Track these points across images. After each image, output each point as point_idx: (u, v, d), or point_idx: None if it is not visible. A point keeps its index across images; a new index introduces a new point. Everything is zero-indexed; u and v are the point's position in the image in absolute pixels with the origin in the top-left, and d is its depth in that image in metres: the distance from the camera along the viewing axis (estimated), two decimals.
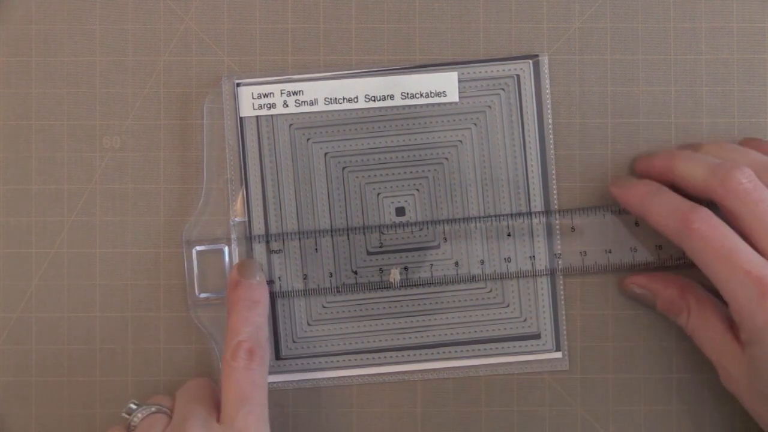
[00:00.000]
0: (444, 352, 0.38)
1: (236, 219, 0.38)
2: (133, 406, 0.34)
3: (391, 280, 0.37)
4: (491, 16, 0.38)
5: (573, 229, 0.38)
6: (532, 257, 0.38)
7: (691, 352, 0.38)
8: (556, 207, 0.38)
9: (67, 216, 0.38)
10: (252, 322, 0.35)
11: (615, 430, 0.38)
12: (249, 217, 0.38)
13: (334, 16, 0.38)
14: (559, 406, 0.38)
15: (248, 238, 0.38)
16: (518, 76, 0.38)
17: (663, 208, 0.34)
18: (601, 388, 0.38)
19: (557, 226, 0.38)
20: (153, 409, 0.34)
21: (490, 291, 0.38)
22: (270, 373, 0.38)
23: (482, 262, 0.38)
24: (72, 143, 0.38)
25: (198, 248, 0.38)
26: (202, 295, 0.38)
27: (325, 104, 0.38)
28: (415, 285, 0.38)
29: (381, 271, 0.38)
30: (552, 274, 0.38)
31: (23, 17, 0.38)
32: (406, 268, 0.38)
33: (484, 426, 0.38)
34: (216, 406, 0.34)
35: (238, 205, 0.38)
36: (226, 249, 0.38)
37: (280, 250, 0.38)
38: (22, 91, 0.38)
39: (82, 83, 0.38)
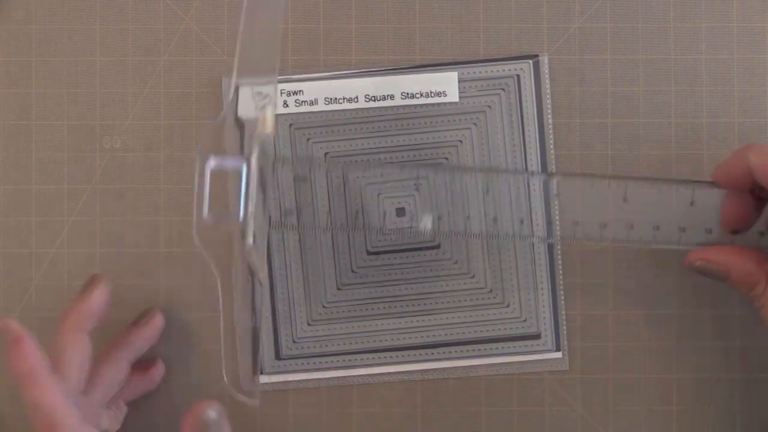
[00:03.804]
0: (444, 352, 0.38)
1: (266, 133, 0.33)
2: None
3: (422, 228, 0.36)
4: (491, 16, 0.38)
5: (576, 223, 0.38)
6: (533, 258, 0.38)
7: (691, 352, 0.38)
8: (556, 206, 0.38)
9: (67, 216, 0.38)
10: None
11: (615, 430, 0.38)
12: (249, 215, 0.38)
13: (334, 16, 0.38)
14: (559, 406, 0.38)
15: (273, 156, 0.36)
16: (518, 76, 0.38)
17: None
18: (601, 388, 0.38)
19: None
20: None
21: (491, 291, 0.38)
22: (270, 373, 0.38)
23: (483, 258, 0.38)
24: (72, 143, 0.38)
25: (213, 161, 0.33)
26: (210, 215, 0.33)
27: (325, 104, 0.38)
28: (447, 235, 0.37)
29: (412, 218, 0.37)
30: (552, 279, 0.38)
31: (23, 17, 0.38)
32: (439, 218, 0.37)
33: (484, 426, 0.38)
34: None
35: (268, 119, 0.33)
36: (245, 166, 0.33)
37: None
38: (22, 91, 0.38)
39: (82, 83, 0.38)
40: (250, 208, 0.32)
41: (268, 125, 0.33)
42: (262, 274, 0.35)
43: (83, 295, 0.35)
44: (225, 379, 0.34)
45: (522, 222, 0.36)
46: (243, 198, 0.32)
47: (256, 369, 0.35)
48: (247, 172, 0.33)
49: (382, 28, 0.38)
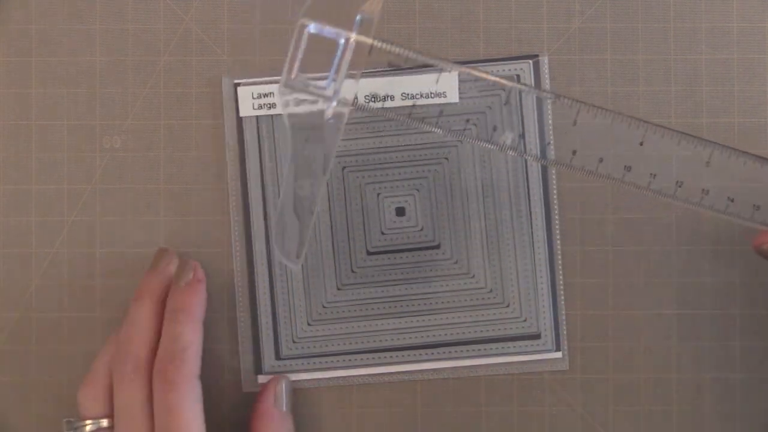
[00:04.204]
0: (444, 352, 0.38)
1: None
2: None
3: (502, 142, 0.34)
4: (491, 16, 0.38)
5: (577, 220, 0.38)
6: (533, 258, 0.38)
7: (691, 352, 0.38)
8: (556, 207, 0.38)
9: (67, 216, 0.38)
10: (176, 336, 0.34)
11: (615, 430, 0.38)
12: (249, 215, 0.38)
13: None
14: (559, 406, 0.38)
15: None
16: (518, 76, 0.38)
17: None
18: (601, 388, 0.38)
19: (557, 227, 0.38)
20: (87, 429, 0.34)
21: (491, 291, 0.38)
22: (270, 373, 0.38)
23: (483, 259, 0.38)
24: (72, 143, 0.38)
25: (313, 26, 0.31)
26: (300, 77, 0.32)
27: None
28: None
29: (494, 129, 0.36)
30: (552, 279, 0.38)
31: (23, 17, 0.38)
32: (521, 135, 0.36)
33: (484, 426, 0.38)
34: None
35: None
36: (343, 40, 0.32)
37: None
38: (22, 91, 0.38)
39: (82, 83, 0.38)
40: (339, 84, 0.32)
41: (377, 5, 0.32)
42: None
43: (157, 267, 0.36)
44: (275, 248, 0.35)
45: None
46: (334, 70, 0.32)
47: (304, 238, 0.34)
48: (344, 47, 0.32)
49: (382, 28, 0.38)
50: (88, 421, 0.34)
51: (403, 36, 0.38)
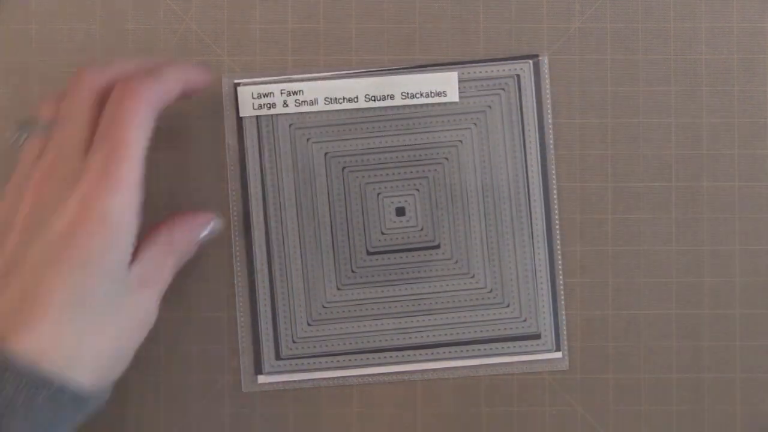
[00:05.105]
0: (444, 352, 0.38)
1: None
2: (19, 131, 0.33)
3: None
4: (491, 16, 0.38)
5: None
6: (533, 258, 0.38)
7: (691, 352, 0.38)
8: (556, 207, 0.38)
9: None
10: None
11: (615, 430, 0.38)
12: (249, 215, 0.38)
13: (334, 16, 0.38)
14: (559, 406, 0.38)
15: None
16: (518, 76, 0.38)
17: None
18: (601, 388, 0.38)
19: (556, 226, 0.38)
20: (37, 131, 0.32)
21: (491, 291, 0.38)
22: (270, 373, 0.38)
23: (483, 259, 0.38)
24: None
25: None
26: None
27: (325, 104, 0.38)
28: None
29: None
30: (552, 279, 0.38)
31: (23, 17, 0.38)
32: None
33: (484, 426, 0.38)
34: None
35: None
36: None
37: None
38: (22, 91, 0.38)
39: None
40: None
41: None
42: None
43: (159, 71, 0.32)
44: None
45: None
46: None
47: None
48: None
49: (382, 28, 0.38)
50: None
51: (403, 36, 0.38)
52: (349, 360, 0.38)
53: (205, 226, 0.35)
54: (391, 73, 0.38)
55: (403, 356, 0.38)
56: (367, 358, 0.38)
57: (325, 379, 0.38)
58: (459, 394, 0.38)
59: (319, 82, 0.38)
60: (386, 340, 0.38)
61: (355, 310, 0.38)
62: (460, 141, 0.38)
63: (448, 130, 0.38)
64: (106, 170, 0.30)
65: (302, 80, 0.38)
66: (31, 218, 0.30)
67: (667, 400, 0.38)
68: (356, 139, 0.38)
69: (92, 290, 0.30)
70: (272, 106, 0.38)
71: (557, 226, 0.38)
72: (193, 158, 0.38)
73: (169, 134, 0.38)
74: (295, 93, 0.38)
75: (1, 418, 0.28)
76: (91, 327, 0.30)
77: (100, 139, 0.31)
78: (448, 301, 0.38)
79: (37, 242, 0.30)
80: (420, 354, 0.38)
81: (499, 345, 0.38)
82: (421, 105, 0.38)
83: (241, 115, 0.38)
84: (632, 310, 0.39)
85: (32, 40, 0.38)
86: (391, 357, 0.38)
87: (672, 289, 0.39)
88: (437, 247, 0.38)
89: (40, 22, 0.38)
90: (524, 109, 0.38)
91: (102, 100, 0.32)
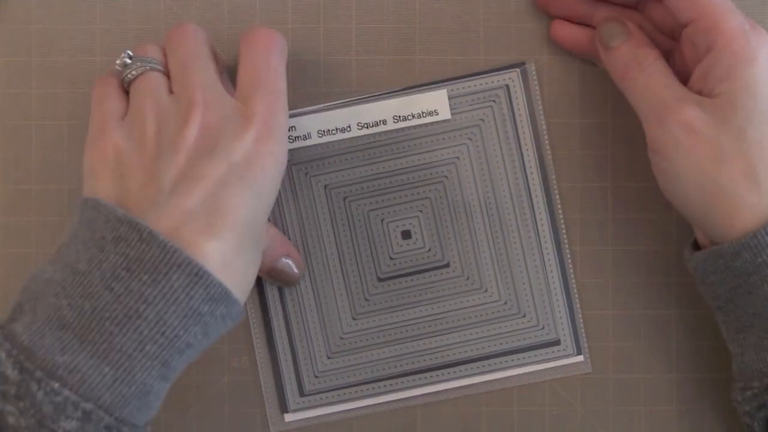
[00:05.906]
0: (466, 369, 0.38)
1: None
2: (128, 60, 0.33)
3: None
4: (491, 16, 0.38)
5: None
6: (543, 265, 0.38)
7: (691, 352, 0.38)
8: (560, 210, 0.38)
9: (67, 216, 0.38)
10: None
11: (615, 430, 0.38)
12: None
13: (334, 16, 0.38)
14: (559, 406, 0.38)
15: None
16: (507, 86, 0.38)
17: None
18: (601, 388, 0.38)
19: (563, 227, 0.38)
20: (148, 66, 0.33)
21: (505, 303, 0.38)
22: (295, 410, 0.38)
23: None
24: (72, 143, 0.38)
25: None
26: None
27: (319, 137, 0.38)
28: None
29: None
30: (566, 283, 0.38)
31: (23, 17, 0.38)
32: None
33: (484, 426, 0.38)
34: (216, 59, 0.34)
35: None
36: None
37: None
38: (22, 91, 0.38)
39: (82, 83, 0.38)
40: None
41: None
42: None
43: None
44: None
45: None
46: None
47: None
48: None
49: (382, 28, 0.38)
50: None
51: (403, 36, 0.38)
52: (373, 388, 0.38)
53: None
54: (381, 98, 0.38)
55: (426, 378, 0.38)
56: (391, 384, 0.38)
57: (352, 409, 0.38)
58: (459, 394, 0.38)
59: (309, 115, 0.38)
60: (408, 364, 0.38)
61: (373, 338, 0.38)
62: (458, 157, 0.38)
63: (444, 148, 0.38)
64: (272, 120, 0.32)
65: (293, 116, 0.38)
66: (203, 141, 0.31)
67: (667, 400, 0.38)
68: (354, 168, 0.38)
69: (262, 219, 0.32)
70: None
71: (563, 229, 0.38)
72: None
73: None
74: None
75: (187, 327, 0.29)
76: (252, 250, 0.32)
77: (258, 86, 0.33)
78: (464, 318, 0.38)
79: (217, 164, 0.31)
80: (444, 374, 0.38)
81: (520, 356, 0.38)
82: (415, 126, 0.38)
83: None
84: (632, 310, 0.39)
85: (32, 40, 0.38)
86: (414, 380, 0.38)
87: (672, 289, 0.39)
88: (447, 265, 0.38)
89: (40, 22, 0.38)
90: (517, 119, 0.38)
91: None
